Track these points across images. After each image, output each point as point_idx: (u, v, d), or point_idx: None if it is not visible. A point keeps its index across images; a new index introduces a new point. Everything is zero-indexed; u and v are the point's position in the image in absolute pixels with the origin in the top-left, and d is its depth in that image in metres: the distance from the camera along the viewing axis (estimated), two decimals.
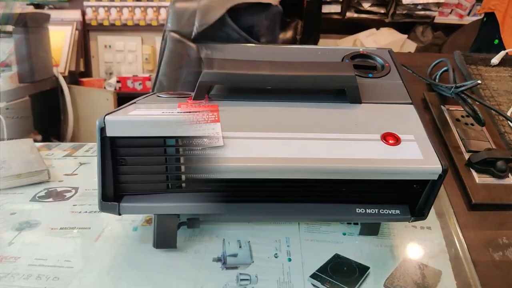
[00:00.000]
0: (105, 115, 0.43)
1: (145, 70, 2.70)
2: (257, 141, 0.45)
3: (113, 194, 0.45)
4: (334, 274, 0.48)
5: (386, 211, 0.48)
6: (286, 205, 0.48)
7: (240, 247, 0.50)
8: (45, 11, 2.34)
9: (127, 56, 2.68)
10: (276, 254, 0.49)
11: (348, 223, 0.55)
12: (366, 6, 2.44)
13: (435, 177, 0.44)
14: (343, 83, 0.53)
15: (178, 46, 1.55)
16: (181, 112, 0.45)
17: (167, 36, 1.55)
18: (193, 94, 0.52)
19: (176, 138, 0.45)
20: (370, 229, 0.54)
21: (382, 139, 0.46)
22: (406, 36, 2.50)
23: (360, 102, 0.53)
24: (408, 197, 0.48)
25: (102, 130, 0.43)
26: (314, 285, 0.46)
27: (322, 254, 0.50)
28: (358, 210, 0.48)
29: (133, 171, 0.45)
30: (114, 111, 0.45)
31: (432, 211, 0.56)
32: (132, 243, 0.49)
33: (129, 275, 0.43)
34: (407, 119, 0.50)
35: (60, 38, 2.45)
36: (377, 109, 0.52)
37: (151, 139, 0.44)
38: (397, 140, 0.46)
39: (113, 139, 0.44)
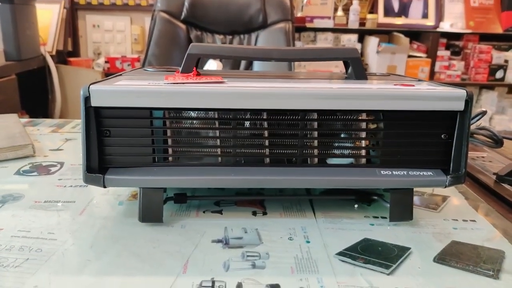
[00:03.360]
0: (90, 84, 0.42)
1: (134, 51, 2.67)
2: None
3: (97, 166, 0.44)
4: (366, 252, 0.43)
5: (416, 173, 0.47)
6: (291, 168, 0.47)
7: (246, 232, 0.47)
8: None
9: (115, 36, 2.65)
10: (290, 237, 0.46)
11: (374, 216, 0.51)
12: None
13: (461, 106, 0.44)
14: (347, 55, 0.53)
15: (167, 26, 1.53)
16: (167, 84, 0.44)
17: (156, 16, 1.53)
18: (180, 68, 0.52)
19: (163, 109, 0.44)
20: (402, 211, 0.49)
21: (396, 85, 0.48)
22: None
23: (366, 78, 0.53)
24: (438, 155, 0.47)
25: (87, 99, 0.42)
26: (344, 262, 0.41)
27: (348, 238, 0.46)
28: (383, 172, 0.47)
29: (118, 143, 0.45)
30: (99, 81, 0.44)
31: (472, 210, 0.54)
32: (117, 217, 0.49)
33: (112, 247, 0.42)
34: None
35: (47, 16, 2.41)
36: (385, 80, 0.54)
37: (137, 110, 0.44)
38: (412, 86, 0.47)
39: (98, 109, 0.43)
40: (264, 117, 0.46)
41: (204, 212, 0.51)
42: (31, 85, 2.16)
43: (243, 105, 0.44)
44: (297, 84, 0.46)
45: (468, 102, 0.44)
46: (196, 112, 0.45)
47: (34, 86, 2.22)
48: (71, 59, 2.54)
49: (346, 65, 0.58)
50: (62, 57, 2.50)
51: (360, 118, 0.47)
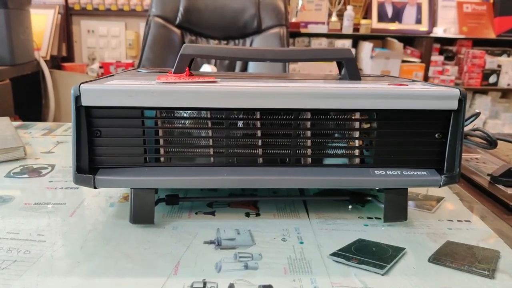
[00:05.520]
0: (81, 83, 0.41)
1: (128, 56, 2.67)
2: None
3: (88, 166, 0.44)
4: (360, 253, 0.43)
5: (410, 173, 0.46)
6: (284, 168, 0.46)
7: (238, 233, 0.46)
8: None
9: (110, 41, 2.64)
10: (283, 238, 0.45)
11: (368, 217, 0.50)
12: None
13: (455, 105, 0.44)
14: (341, 55, 0.53)
15: (162, 31, 1.53)
16: (159, 83, 0.43)
17: (151, 21, 1.53)
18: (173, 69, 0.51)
19: (155, 109, 0.44)
20: (396, 212, 0.48)
21: (390, 84, 0.47)
22: None
23: (360, 79, 0.53)
24: (432, 154, 0.47)
25: (77, 99, 0.41)
26: (338, 262, 0.41)
27: (342, 239, 0.45)
28: (377, 172, 0.46)
29: (109, 143, 0.44)
30: (90, 81, 0.44)
31: (467, 211, 0.54)
32: (107, 219, 0.48)
33: (103, 249, 0.42)
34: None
35: (42, 21, 2.40)
36: (379, 81, 0.54)
37: (128, 109, 0.43)
38: (406, 85, 0.47)
39: (89, 109, 0.42)
40: (257, 116, 0.45)
41: (196, 213, 0.50)
42: (24, 90, 2.14)
43: (236, 104, 0.43)
44: (290, 84, 0.46)
45: (462, 101, 0.44)
46: (189, 111, 0.45)
47: (27, 91, 2.21)
48: (65, 64, 2.53)
49: (340, 66, 0.58)
50: (56, 62, 2.49)
51: (353, 117, 0.46)
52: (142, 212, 0.46)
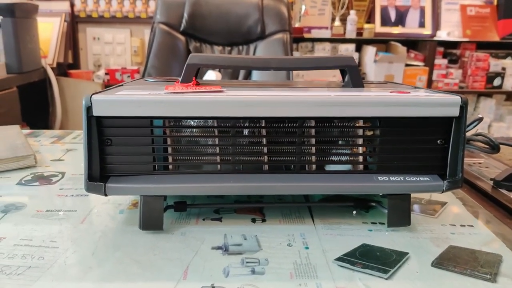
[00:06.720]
0: (92, 94, 0.43)
1: (133, 63, 2.69)
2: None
3: (99, 174, 0.45)
4: (365, 257, 0.44)
5: (413, 179, 0.47)
6: (289, 175, 0.47)
7: (245, 239, 0.47)
8: (34, 1, 2.31)
9: (115, 48, 2.67)
10: (289, 243, 0.46)
11: (373, 222, 0.51)
12: None
13: (457, 112, 0.45)
14: (344, 63, 0.54)
15: (167, 38, 1.54)
16: (167, 93, 0.45)
17: (156, 28, 1.55)
18: (180, 78, 0.52)
19: (163, 118, 0.45)
20: (400, 217, 0.49)
21: (393, 92, 0.49)
22: None
23: (363, 86, 0.54)
24: (434, 160, 0.48)
25: (89, 109, 0.43)
26: (342, 267, 0.42)
27: (346, 244, 0.46)
28: (381, 178, 0.47)
29: (119, 152, 0.45)
30: (101, 91, 0.45)
31: (470, 215, 0.55)
32: (117, 225, 0.49)
33: (113, 255, 0.43)
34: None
35: (48, 29, 2.43)
36: (382, 88, 0.55)
37: (137, 119, 0.44)
38: (408, 93, 0.48)
39: (100, 118, 0.44)
40: (263, 125, 0.47)
41: (204, 219, 0.51)
42: (32, 98, 2.17)
43: (242, 113, 0.44)
44: (295, 92, 0.47)
45: (463, 108, 0.45)
46: (196, 120, 0.46)
47: (35, 98, 2.23)
48: (72, 71, 2.56)
49: (343, 73, 0.59)
50: (62, 70, 2.52)
51: (357, 125, 0.47)
52: (151, 218, 0.47)
